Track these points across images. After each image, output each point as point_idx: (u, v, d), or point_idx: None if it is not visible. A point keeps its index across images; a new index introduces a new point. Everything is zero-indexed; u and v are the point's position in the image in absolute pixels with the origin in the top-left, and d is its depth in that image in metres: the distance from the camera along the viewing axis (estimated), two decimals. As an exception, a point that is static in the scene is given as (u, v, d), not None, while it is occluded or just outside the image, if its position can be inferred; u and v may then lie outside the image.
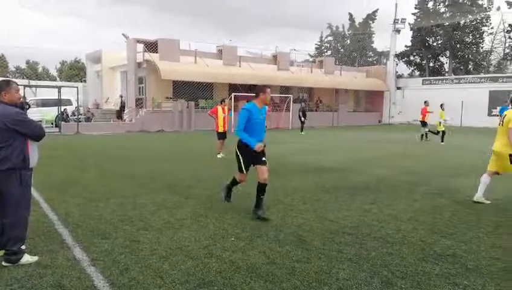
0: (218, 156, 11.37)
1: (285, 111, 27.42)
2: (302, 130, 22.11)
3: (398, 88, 37.97)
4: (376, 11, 53.35)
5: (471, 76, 37.07)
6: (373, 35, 55.26)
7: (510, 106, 5.83)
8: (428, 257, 3.90)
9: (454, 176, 8.75)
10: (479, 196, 6.18)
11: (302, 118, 22.37)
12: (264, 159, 5.13)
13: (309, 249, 4.05)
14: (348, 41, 57.61)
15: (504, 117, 5.87)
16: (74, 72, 55.08)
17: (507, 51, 41.70)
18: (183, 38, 45.97)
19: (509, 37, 40.94)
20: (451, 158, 11.86)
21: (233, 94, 24.50)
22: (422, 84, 37.68)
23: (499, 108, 27.43)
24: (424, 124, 18.42)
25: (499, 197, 6.52)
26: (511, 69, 41.33)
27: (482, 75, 37.71)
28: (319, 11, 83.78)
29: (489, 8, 40.92)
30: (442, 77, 39.46)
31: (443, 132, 16.55)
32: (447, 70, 43.85)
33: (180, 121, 24.02)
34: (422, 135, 18.17)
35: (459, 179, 8.35)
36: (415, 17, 43.61)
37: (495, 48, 43.07)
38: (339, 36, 58.64)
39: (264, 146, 5.12)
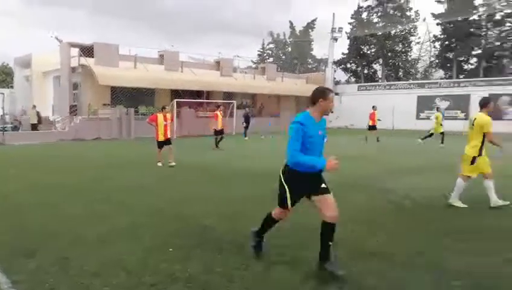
0: (159, 164, 11.07)
1: (228, 117, 27.45)
2: (245, 135, 22.27)
3: (336, 94, 39.73)
4: (315, 20, 55.50)
5: (401, 82, 39.88)
6: (312, 43, 57.37)
7: (479, 109, 6.26)
8: (362, 255, 4.08)
9: (391, 176, 9.27)
10: (453, 199, 6.35)
11: (245, 124, 22.56)
12: (325, 185, 3.68)
13: (248, 255, 4.05)
14: (289, 49, 59.24)
15: (474, 120, 6.16)
16: (0, 77, 50.82)
17: (432, 59, 45.34)
18: (122, 42, 44.42)
19: (434, 47, 44.56)
20: (391, 160, 12.58)
21: (175, 100, 24.06)
22: (358, 90, 39.79)
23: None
24: (372, 127, 19.70)
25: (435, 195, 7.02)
26: (436, 76, 44.95)
27: (410, 81, 40.65)
28: (260, 19, 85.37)
29: (416, 19, 44.30)
30: (375, 83, 41.96)
31: (442, 133, 17.63)
32: (380, 77, 46.65)
33: (119, 128, 23.06)
34: (365, 137, 19.51)
35: (399, 178, 8.86)
36: (351, 27, 46.01)
37: (422, 56, 46.66)
38: (280, 43, 60.15)
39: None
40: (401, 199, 6.74)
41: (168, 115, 11.62)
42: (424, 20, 42.92)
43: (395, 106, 32.83)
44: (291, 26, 57.61)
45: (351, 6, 61.73)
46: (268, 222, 3.98)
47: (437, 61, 44.26)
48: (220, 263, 3.83)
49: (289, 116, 34.44)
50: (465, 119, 32.30)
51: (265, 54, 61.79)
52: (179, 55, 28.46)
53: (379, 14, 45.17)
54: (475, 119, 6.16)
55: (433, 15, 41.06)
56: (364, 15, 46.27)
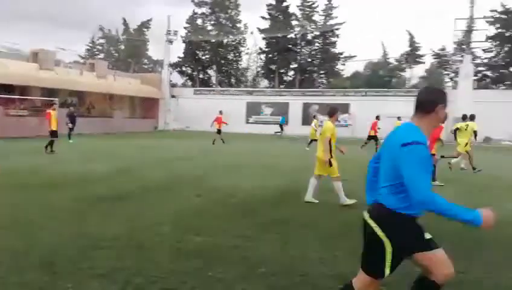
0: None
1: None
2: (69, 137, 20.01)
3: (173, 96, 39.80)
4: (150, 20, 54.25)
5: (233, 89, 42.81)
6: (148, 43, 55.94)
7: (327, 118, 7.01)
8: (181, 255, 4.17)
9: (224, 176, 9.75)
10: (308, 197, 6.87)
11: (70, 124, 20.32)
12: (429, 235, 2.46)
13: (57, 271, 3.65)
14: (123, 47, 56.28)
15: (323, 127, 6.91)
16: None
17: (259, 69, 50.07)
18: None
19: (260, 58, 49.29)
20: (226, 160, 13.21)
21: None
22: (194, 94, 40.80)
23: (281, 118, 33.03)
24: (219, 131, 20.48)
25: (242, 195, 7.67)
26: (263, 84, 49.82)
27: (241, 88, 43.99)
28: (90, 11, 78.28)
29: (245, 31, 48.17)
30: (210, 88, 43.83)
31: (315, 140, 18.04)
32: (214, 82, 48.91)
33: None
34: (214, 140, 20.18)
35: (224, 179, 9.36)
36: (186, 31, 46.77)
37: (250, 66, 51.02)
38: (113, 40, 56.56)
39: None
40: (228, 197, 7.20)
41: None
42: (252, 33, 47.11)
43: (228, 111, 34.85)
44: (125, 23, 54.90)
45: (187, 11, 62.73)
46: None
47: (263, 71, 49.09)
48: (20, 286, 3.33)
49: (122, 117, 32.77)
50: (285, 124, 36.89)
51: (95, 50, 57.08)
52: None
53: (212, 22, 47.35)
54: (323, 126, 7.00)
55: (259, 29, 45.45)
56: (199, 21, 47.75)
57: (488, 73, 41.37)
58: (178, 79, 50.16)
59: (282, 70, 47.02)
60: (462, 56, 36.34)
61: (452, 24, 33.88)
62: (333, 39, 45.05)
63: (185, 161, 12.98)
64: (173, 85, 43.30)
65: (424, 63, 43.72)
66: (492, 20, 38.14)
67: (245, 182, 9.00)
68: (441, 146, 9.94)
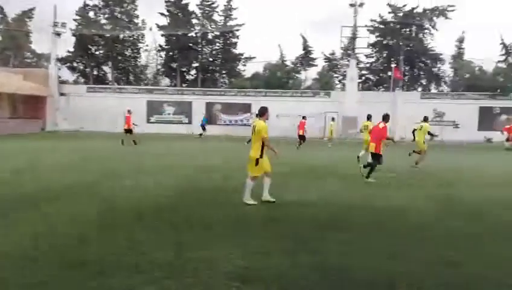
0: None
1: None
2: None
3: (62, 94, 36.37)
4: (33, 9, 48.67)
5: (131, 87, 40.78)
6: (31, 35, 50.11)
7: (258, 117, 7.11)
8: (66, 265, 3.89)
9: (124, 178, 9.23)
10: (247, 197, 6.93)
11: None
12: None
13: None
14: (0, 37, 49.50)
15: (255, 127, 6.93)
16: None
17: (159, 67, 48.48)
18: None
19: (160, 56, 47.76)
20: (133, 161, 12.48)
21: None
22: (87, 91, 37.87)
23: (202, 119, 31.66)
24: (128, 131, 19.67)
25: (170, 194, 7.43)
26: (164, 83, 48.38)
27: (140, 86, 42.15)
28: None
29: (143, 27, 46.20)
30: (106, 86, 41.11)
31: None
32: (110, 79, 45.95)
33: None
34: (122, 140, 19.35)
35: (126, 180, 8.88)
36: (76, 24, 43.06)
37: (150, 63, 49.09)
38: (-14, 30, 49.37)
39: None
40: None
41: None
42: (151, 29, 45.40)
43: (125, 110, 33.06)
44: (2, 12, 48.33)
45: (77, 1, 57.60)
46: None
47: (163, 69, 47.70)
48: None
49: (0, 117, 28.83)
50: (189, 123, 36.52)
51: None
52: None
53: (106, 15, 44.43)
54: (255, 126, 7.02)
55: (158, 26, 44.04)
56: (91, 14, 44.37)
57: (370, 76, 46.32)
58: (68, 75, 45.98)
59: (183, 69, 46.27)
60: (348, 61, 40.11)
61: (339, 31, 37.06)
62: (234, 40, 45.80)
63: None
64: (63, 82, 39.49)
65: (317, 65, 47.13)
66: (372, 29, 42.79)
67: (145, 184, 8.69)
68: (386, 146, 10.56)
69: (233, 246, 4.66)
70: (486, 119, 33.22)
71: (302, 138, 20.46)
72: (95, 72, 46.25)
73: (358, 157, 13.04)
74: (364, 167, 10.10)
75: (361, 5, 35.52)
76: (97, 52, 45.51)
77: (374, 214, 6.59)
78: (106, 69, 47.05)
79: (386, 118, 10.07)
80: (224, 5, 44.56)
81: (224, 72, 47.42)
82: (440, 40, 53.55)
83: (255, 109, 35.55)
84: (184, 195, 7.71)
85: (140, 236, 4.94)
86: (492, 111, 33.62)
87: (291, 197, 7.63)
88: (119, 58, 45.62)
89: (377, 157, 9.85)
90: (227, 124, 33.84)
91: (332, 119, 24.95)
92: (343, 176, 10.75)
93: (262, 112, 7.16)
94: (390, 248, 4.76)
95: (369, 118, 14.68)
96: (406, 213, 6.68)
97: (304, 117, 21.74)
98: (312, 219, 6.12)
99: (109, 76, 46.45)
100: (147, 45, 47.28)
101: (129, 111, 20.84)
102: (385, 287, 3.71)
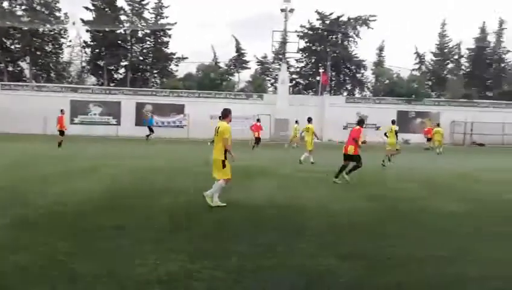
0: None
1: None
2: None
3: (-31, 91, 32.68)
4: None
5: (52, 84, 37.91)
6: None
7: (222, 119, 7.03)
8: None
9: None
10: (214, 200, 6.83)
11: None
12: None
13: None
14: None
15: (218, 128, 6.88)
16: None
17: (84, 64, 45.64)
18: None
19: (85, 52, 45.01)
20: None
21: None
22: (2, 88, 34.54)
23: (149, 120, 30.97)
24: (61, 133, 18.68)
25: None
26: (90, 81, 45.62)
27: (63, 85, 39.30)
28: None
29: (66, 21, 43.16)
30: (23, 83, 37.81)
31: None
32: (28, 76, 42.25)
33: None
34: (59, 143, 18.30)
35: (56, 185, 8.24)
36: (-13, 14, 38.91)
37: (74, 60, 45.99)
38: None
39: None
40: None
41: None
42: (74, 24, 42.59)
43: (47, 110, 30.63)
44: None
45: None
46: None
47: (89, 67, 45.01)
48: None
49: None
50: (117, 124, 34.90)
51: None
52: None
53: (23, 7, 40.80)
54: (219, 127, 6.93)
55: (83, 21, 41.50)
56: (5, 4, 40.38)
57: (301, 80, 48.17)
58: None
59: (111, 67, 44.08)
60: (279, 64, 41.32)
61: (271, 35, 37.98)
62: (165, 39, 44.77)
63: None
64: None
65: (249, 68, 47.83)
66: (302, 34, 44.57)
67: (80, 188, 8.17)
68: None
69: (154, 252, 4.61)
70: (404, 122, 36.36)
71: (257, 139, 21.38)
72: (10, 68, 42.21)
73: (312, 162, 14.30)
74: (351, 170, 10.48)
75: (291, 10, 36.80)
76: (12, 47, 41.60)
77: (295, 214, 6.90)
78: (23, 64, 43.14)
79: (361, 122, 10.97)
80: (155, 3, 43.38)
81: (155, 71, 46.12)
82: (363, 48, 57.59)
83: (188, 110, 35.15)
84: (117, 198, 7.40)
85: (72, 244, 4.68)
86: (409, 115, 36.88)
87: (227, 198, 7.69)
88: (38, 53, 42.09)
89: (358, 158, 10.38)
90: (160, 126, 32.94)
91: (296, 121, 25.22)
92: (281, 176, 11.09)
93: (226, 114, 7.12)
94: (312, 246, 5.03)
95: (310, 120, 15.66)
96: (329, 211, 7.08)
97: (258, 120, 22.82)
98: (243, 219, 6.26)
99: (27, 72, 42.68)
100: (70, 41, 44.35)
101: (62, 111, 19.70)
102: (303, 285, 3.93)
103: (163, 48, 44.59)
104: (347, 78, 48.21)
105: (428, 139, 27.25)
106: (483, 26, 46.38)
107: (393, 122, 16.27)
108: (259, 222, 6.26)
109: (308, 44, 45.79)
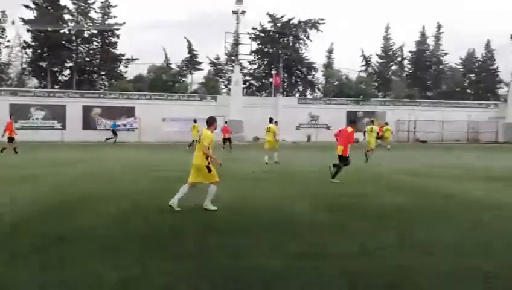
0: None
1: None
2: None
3: None
4: None
5: (-12, 88, 35.18)
6: None
7: (206, 127, 6.98)
8: None
9: None
10: (173, 201, 6.72)
11: None
12: None
13: None
14: None
15: (201, 136, 6.86)
16: None
17: (25, 66, 42.85)
18: None
19: (26, 53, 42.27)
20: None
21: None
22: None
23: (112, 124, 31.14)
24: (10, 139, 18.04)
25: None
26: (31, 84, 42.82)
27: (1, 88, 36.66)
28: None
29: (4, 20, 40.35)
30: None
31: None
32: (-40, 78, 38.95)
33: None
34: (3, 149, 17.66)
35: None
36: None
37: (13, 61, 43.03)
38: None
39: None
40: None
41: None
42: (13, 23, 39.91)
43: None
44: None
45: None
46: None
47: (30, 68, 42.34)
48: None
49: None
50: (62, 129, 33.10)
51: None
52: None
53: (-47, 3, 37.60)
54: (202, 134, 6.90)
55: (23, 20, 39.00)
56: None
57: (254, 82, 48.49)
58: None
59: (55, 69, 41.76)
60: (232, 66, 41.33)
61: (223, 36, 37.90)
62: (113, 39, 43.17)
63: None
64: None
65: (202, 70, 47.34)
66: (254, 37, 44.90)
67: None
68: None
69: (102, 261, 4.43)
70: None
71: (228, 140, 22.47)
72: None
73: (266, 163, 14.52)
74: (334, 166, 10.65)
75: (243, 12, 36.94)
76: None
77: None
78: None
79: (353, 122, 11.47)
80: (102, 2, 41.73)
81: (103, 73, 44.32)
82: (314, 50, 59.14)
83: (138, 113, 34.10)
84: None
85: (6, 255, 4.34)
86: (357, 114, 38.39)
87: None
88: (-28, 54, 38.97)
89: (344, 159, 10.57)
90: (109, 129, 31.63)
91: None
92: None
93: (211, 122, 7.01)
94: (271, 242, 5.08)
95: (271, 120, 16.00)
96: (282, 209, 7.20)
97: (226, 122, 24.40)
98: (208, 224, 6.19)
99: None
100: (8, 41, 41.43)
101: (11, 117, 19.53)
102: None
103: (111, 49, 42.97)
104: (299, 80, 49.21)
105: (379, 138, 28.65)
106: (423, 30, 49.54)
107: (372, 122, 17.68)
108: (212, 224, 6.21)
109: (260, 46, 46.19)
